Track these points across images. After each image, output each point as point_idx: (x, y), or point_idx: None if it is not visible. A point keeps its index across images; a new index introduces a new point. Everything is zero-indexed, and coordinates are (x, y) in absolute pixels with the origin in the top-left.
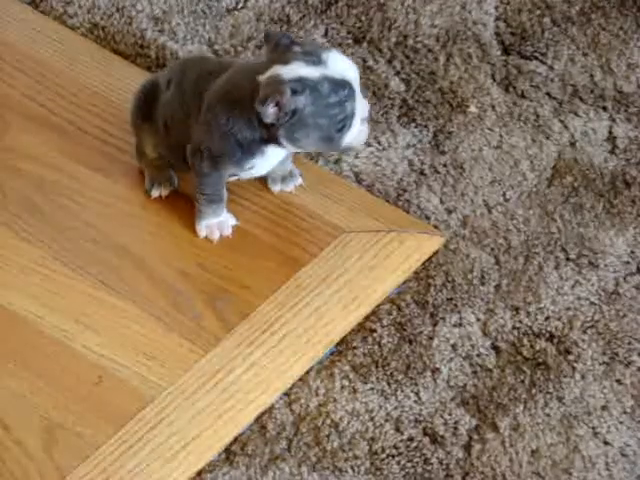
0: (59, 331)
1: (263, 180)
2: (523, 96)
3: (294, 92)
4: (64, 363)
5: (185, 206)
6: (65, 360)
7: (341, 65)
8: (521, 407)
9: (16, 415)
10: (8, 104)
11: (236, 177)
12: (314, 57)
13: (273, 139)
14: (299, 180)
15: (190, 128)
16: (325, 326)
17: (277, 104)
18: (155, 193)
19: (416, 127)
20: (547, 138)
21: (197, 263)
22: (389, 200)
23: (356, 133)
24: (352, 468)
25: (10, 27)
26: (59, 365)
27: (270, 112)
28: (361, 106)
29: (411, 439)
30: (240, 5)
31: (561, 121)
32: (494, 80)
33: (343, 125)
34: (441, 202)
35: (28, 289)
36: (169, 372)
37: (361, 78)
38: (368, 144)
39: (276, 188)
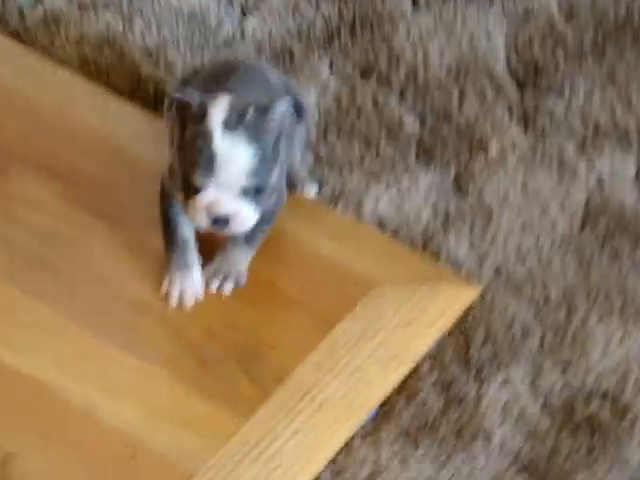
0: (86, 401)
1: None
2: (543, 134)
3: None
4: (94, 437)
5: None
6: (95, 433)
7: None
8: (586, 472)
9: None
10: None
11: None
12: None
13: None
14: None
15: None
16: (366, 387)
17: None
18: None
19: (436, 167)
20: (574, 177)
21: (223, 321)
22: (416, 247)
23: (202, 201)
24: None
25: None
26: (89, 439)
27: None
28: (224, 177)
29: None
30: (238, 36)
31: (586, 160)
32: (511, 115)
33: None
34: (471, 247)
35: (49, 355)
36: (208, 442)
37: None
38: (388, 185)
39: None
